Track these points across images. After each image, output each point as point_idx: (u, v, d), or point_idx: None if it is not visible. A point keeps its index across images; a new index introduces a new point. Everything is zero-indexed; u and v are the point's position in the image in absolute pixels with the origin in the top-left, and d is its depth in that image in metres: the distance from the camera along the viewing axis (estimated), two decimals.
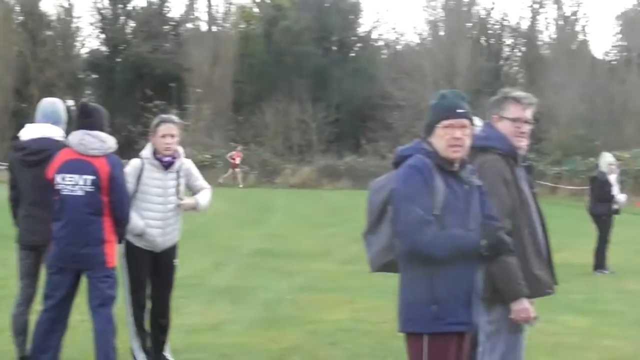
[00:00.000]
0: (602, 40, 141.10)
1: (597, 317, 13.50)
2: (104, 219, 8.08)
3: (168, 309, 9.23)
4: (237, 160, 49.51)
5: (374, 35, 64.51)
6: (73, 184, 7.88)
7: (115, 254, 8.31)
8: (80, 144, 7.91)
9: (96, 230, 8.04)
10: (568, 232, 21.95)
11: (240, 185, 48.61)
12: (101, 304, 8.13)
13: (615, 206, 19.46)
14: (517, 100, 6.54)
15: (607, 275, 18.66)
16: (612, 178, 19.77)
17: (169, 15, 61.99)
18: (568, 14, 59.45)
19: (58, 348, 8.18)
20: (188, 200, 9.10)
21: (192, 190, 9.22)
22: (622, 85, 55.91)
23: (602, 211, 19.38)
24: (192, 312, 11.76)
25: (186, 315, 10.82)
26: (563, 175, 47.52)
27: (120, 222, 8.23)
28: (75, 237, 7.94)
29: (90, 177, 7.90)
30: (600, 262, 19.04)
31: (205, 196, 9.17)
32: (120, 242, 8.41)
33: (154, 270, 9.02)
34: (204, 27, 60.69)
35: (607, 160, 20.31)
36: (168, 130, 8.77)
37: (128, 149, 23.48)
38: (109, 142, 8.14)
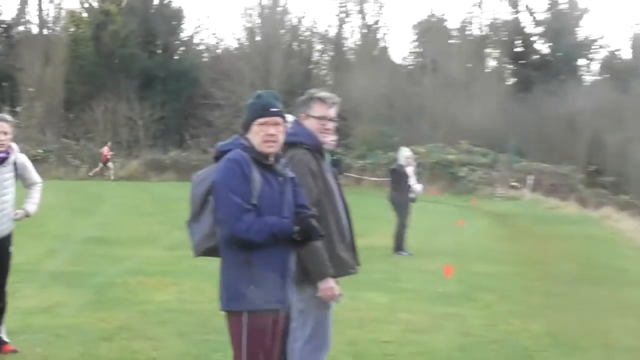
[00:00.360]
0: (401, 47, 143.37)
1: (396, 294, 13.85)
2: None
3: (4, 294, 9.08)
4: (109, 156, 48.70)
5: (195, 40, 64.53)
6: None
7: None
8: None
9: None
10: (371, 219, 22.37)
11: (112, 178, 47.73)
12: None
13: (412, 195, 19.98)
14: (322, 100, 6.78)
15: (405, 256, 19.12)
16: (410, 170, 20.30)
17: (1, 18, 60.62)
18: (371, 23, 60.48)
19: None
20: (19, 215, 9.04)
21: (25, 183, 9.14)
22: (418, 87, 57.19)
23: (401, 199, 19.87)
24: (27, 296, 11.59)
25: (22, 299, 10.67)
26: (367, 167, 48.31)
27: None
28: None
29: None
30: (399, 245, 19.51)
31: (33, 200, 9.16)
32: None
33: None
34: (35, 30, 59.53)
35: (405, 154, 20.85)
36: (1, 128, 8.65)
37: None
38: None
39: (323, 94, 6.90)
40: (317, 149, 6.69)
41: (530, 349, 10.58)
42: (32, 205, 9.12)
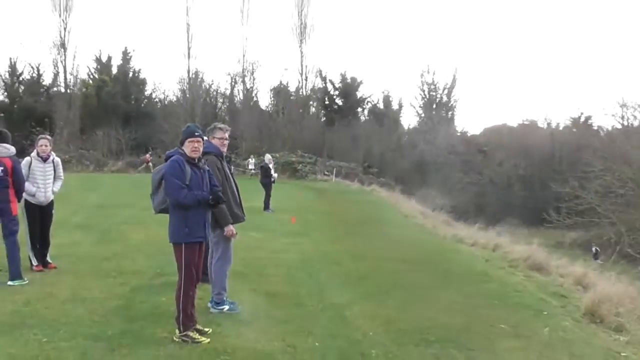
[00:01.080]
0: (265, 100, 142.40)
1: (266, 233, 13.73)
2: (9, 190, 7.82)
3: (49, 235, 8.92)
4: (149, 159, 45.51)
5: (153, 95, 62.84)
6: None
7: (16, 208, 7.98)
8: None
9: (6, 195, 7.79)
10: (251, 192, 22.08)
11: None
12: (10, 234, 7.81)
13: (272, 179, 19.92)
14: (221, 129, 6.99)
15: (270, 213, 18.96)
16: (271, 165, 20.30)
17: (44, 83, 58.12)
18: (249, 87, 60.14)
19: None
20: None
21: (55, 175, 8.93)
22: (274, 122, 57.24)
23: (266, 182, 19.80)
24: (61, 237, 10.99)
25: (58, 238, 10.09)
26: (249, 164, 48.04)
27: (19, 192, 7.98)
28: None
29: (0, 168, 7.73)
30: (266, 206, 19.37)
31: (57, 185, 8.98)
32: (19, 201, 8.13)
33: (41, 215, 8.78)
34: (62, 89, 57.01)
35: (268, 157, 20.97)
36: (44, 142, 8.73)
37: (23, 153, 21.44)
38: (11, 149, 7.93)
39: (221, 125, 7.12)
40: (220, 155, 6.82)
41: (337, 259, 10.70)
42: (56, 187, 8.97)
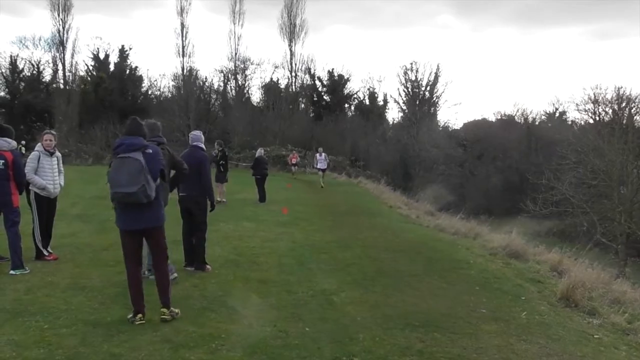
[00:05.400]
0: (256, 96, 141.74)
1: (258, 223, 13.66)
2: (10, 183, 7.79)
3: (51, 227, 8.92)
4: (294, 160, 39.68)
5: (149, 92, 62.30)
6: None
7: (18, 200, 7.95)
8: None
9: (7, 187, 7.77)
10: (244, 184, 22.07)
11: (294, 175, 38.92)
12: (12, 225, 7.77)
13: (265, 171, 19.77)
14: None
15: (261, 204, 18.87)
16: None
17: (44, 80, 57.59)
18: (241, 84, 59.71)
19: None
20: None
21: (58, 168, 8.88)
22: (265, 117, 56.98)
23: (258, 174, 19.66)
24: (61, 228, 10.89)
25: (59, 229, 9.95)
26: (241, 158, 47.78)
27: (20, 184, 7.96)
28: None
29: (1, 161, 7.71)
30: (262, 198, 19.19)
31: (62, 178, 8.97)
32: (20, 193, 8.10)
33: (47, 207, 8.74)
34: (62, 86, 56.40)
35: (260, 151, 20.73)
36: (49, 137, 8.74)
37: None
38: (12, 143, 7.90)
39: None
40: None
41: (326, 247, 10.64)
42: (62, 181, 8.98)
